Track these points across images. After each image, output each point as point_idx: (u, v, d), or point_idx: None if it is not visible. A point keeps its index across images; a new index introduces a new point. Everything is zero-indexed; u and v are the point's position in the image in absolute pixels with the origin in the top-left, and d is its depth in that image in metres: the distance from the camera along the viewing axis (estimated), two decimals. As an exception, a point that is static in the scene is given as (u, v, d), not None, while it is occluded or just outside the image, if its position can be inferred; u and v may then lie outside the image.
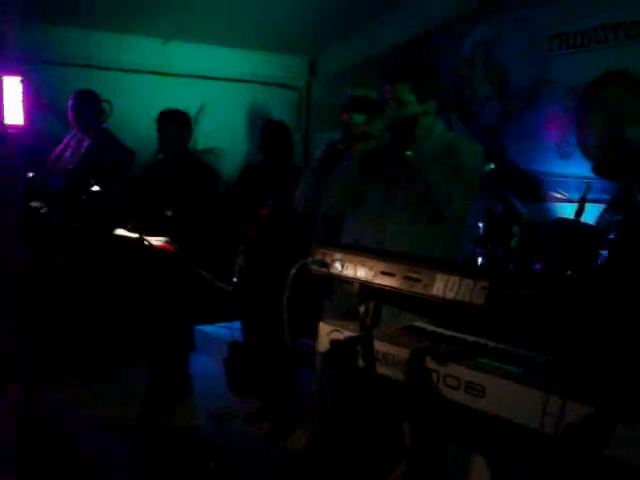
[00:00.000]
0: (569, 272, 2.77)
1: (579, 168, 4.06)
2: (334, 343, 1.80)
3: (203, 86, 6.04)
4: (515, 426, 1.41)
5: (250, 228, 3.84)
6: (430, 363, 1.65)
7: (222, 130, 5.93)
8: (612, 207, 3.36)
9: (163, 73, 5.80)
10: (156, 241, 2.68)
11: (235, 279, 3.94)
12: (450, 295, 1.49)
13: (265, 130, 4.10)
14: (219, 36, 5.65)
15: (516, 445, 1.46)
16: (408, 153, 2.51)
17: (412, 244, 2.55)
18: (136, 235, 2.64)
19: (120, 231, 2.79)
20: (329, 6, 5.01)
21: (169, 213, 3.58)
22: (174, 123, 3.92)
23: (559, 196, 4.17)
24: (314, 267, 1.84)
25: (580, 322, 1.22)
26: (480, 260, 3.68)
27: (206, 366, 4.54)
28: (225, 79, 6.14)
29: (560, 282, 1.29)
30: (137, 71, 5.66)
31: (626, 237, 2.10)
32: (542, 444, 1.33)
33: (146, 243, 2.61)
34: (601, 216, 3.50)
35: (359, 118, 3.17)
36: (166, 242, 2.71)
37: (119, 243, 2.80)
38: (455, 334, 1.89)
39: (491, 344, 1.77)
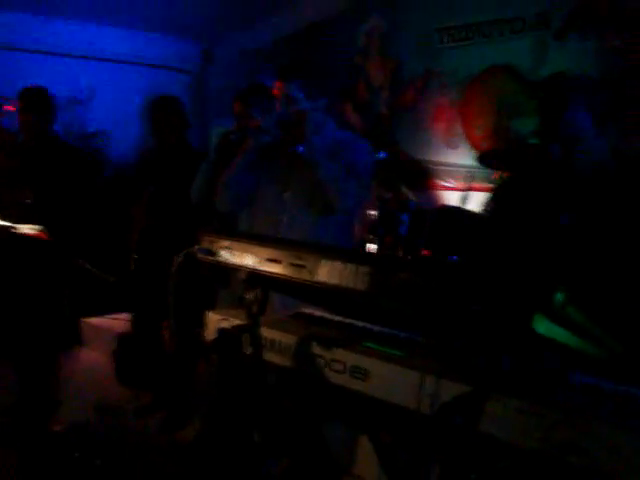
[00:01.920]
0: (455, 257, 2.88)
1: (465, 158, 4.23)
2: (221, 332, 1.78)
3: (94, 68, 5.80)
4: (396, 407, 1.44)
5: (135, 215, 3.73)
6: (316, 349, 1.66)
7: (113, 114, 5.72)
8: (494, 195, 3.52)
9: (51, 53, 5.51)
10: (29, 230, 2.54)
11: (128, 268, 3.82)
12: (334, 281, 1.50)
13: (152, 108, 3.93)
14: (111, 16, 5.43)
15: (398, 426, 1.50)
16: (300, 149, 2.54)
17: (303, 235, 2.59)
18: (6, 223, 2.50)
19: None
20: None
21: (28, 200, 3.38)
22: (38, 103, 3.62)
23: (446, 184, 4.32)
24: (201, 255, 1.81)
25: (455, 305, 1.26)
26: (372, 246, 3.76)
27: (94, 359, 4.39)
28: (117, 61, 5.93)
29: (437, 267, 1.32)
30: (22, 50, 5.35)
31: (498, 224, 2.21)
32: (419, 423, 1.37)
33: (16, 232, 2.47)
34: (485, 204, 3.65)
35: (252, 109, 3.15)
36: (40, 231, 2.57)
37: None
38: (342, 319, 1.91)
39: (376, 328, 1.80)
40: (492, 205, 2.37)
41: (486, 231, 2.20)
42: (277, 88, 2.65)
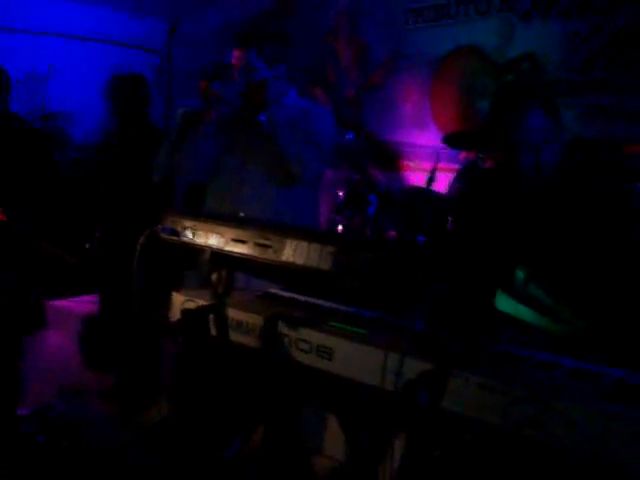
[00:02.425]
0: (420, 237, 2.91)
1: (432, 138, 4.24)
2: (186, 312, 1.77)
3: (54, 44, 5.66)
4: (360, 385, 1.46)
5: (97, 195, 3.66)
6: (283, 328, 1.66)
7: (76, 93, 5.60)
8: (460, 176, 3.55)
9: (8, 28, 5.35)
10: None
11: (89, 248, 3.76)
12: (300, 261, 1.50)
13: (113, 86, 3.85)
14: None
15: (362, 403, 1.52)
16: (261, 118, 2.51)
17: (265, 207, 2.58)
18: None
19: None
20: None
21: None
22: None
23: (414, 165, 4.34)
24: (164, 235, 1.79)
25: (420, 284, 1.27)
26: (340, 227, 3.77)
27: (59, 342, 4.33)
28: (78, 37, 5.78)
29: (401, 246, 1.33)
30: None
31: (464, 205, 2.24)
32: (383, 401, 1.38)
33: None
34: (451, 185, 3.68)
35: (214, 84, 3.11)
36: (-2, 211, 2.51)
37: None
38: (309, 299, 1.91)
39: (342, 308, 1.81)
40: (459, 186, 2.39)
41: (452, 211, 2.22)
42: (236, 57, 2.61)
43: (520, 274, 1.20)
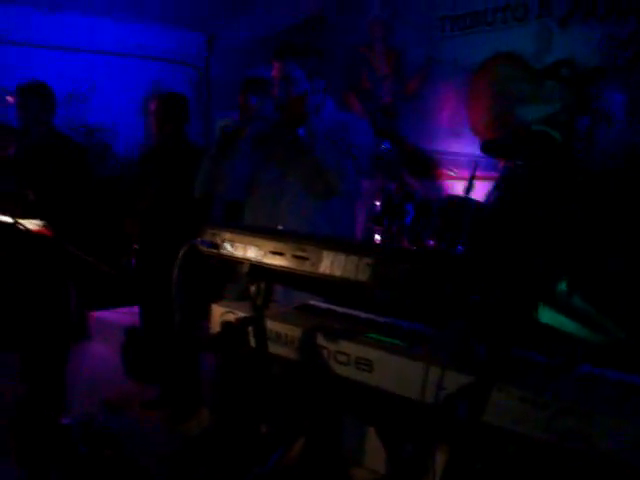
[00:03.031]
0: (459, 247, 2.88)
1: (470, 146, 4.21)
2: (225, 325, 1.78)
3: (96, 62, 5.80)
4: (400, 398, 1.45)
5: (132, 221, 3.71)
6: (321, 340, 1.66)
7: (116, 108, 5.72)
8: (500, 184, 3.51)
9: (52, 46, 5.51)
10: (32, 225, 2.54)
11: (132, 263, 3.83)
12: (337, 272, 1.50)
13: (151, 105, 3.88)
14: (113, 9, 5.42)
15: (402, 416, 1.50)
16: (299, 131, 2.52)
17: (303, 220, 2.59)
18: (10, 219, 2.50)
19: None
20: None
21: (31, 196, 3.38)
22: (36, 98, 3.58)
23: (451, 173, 4.31)
24: (203, 248, 1.81)
25: (457, 295, 1.26)
26: (377, 237, 3.76)
27: (101, 353, 4.41)
28: (119, 54, 5.92)
29: (438, 256, 1.32)
30: (22, 44, 5.35)
31: (502, 214, 2.20)
32: (424, 414, 1.37)
33: (21, 227, 2.47)
34: (491, 193, 3.64)
35: (253, 99, 3.15)
36: (43, 226, 2.57)
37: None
38: (347, 311, 1.91)
39: (381, 319, 1.80)
40: (498, 195, 2.36)
41: (491, 221, 2.19)
42: (275, 69, 2.62)
43: (562, 285, 1.18)
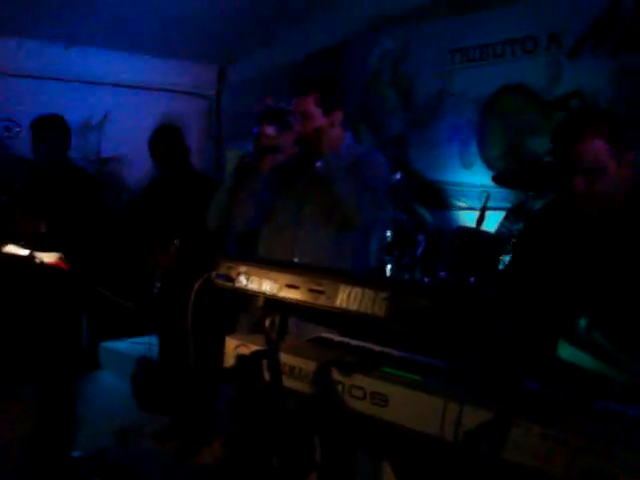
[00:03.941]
0: (471, 278, 2.87)
1: (480, 177, 4.22)
2: (239, 358, 1.78)
3: (108, 93, 5.88)
4: (417, 434, 1.43)
5: (160, 259, 3.71)
6: (336, 374, 1.65)
7: (128, 139, 5.77)
8: (511, 215, 3.51)
9: (65, 79, 5.60)
10: (48, 258, 2.56)
11: (150, 293, 3.82)
12: (353, 306, 1.50)
13: (150, 140, 3.91)
14: (125, 42, 5.51)
15: (419, 453, 1.48)
16: (317, 165, 2.53)
17: (320, 252, 2.58)
18: (26, 252, 2.52)
19: (10, 247, 2.65)
20: (239, 15, 4.99)
21: (43, 228, 3.39)
22: (52, 130, 3.63)
23: (462, 204, 4.32)
24: (219, 281, 1.81)
25: (475, 330, 1.25)
26: (389, 268, 3.75)
27: (112, 383, 4.39)
28: (131, 86, 6.00)
29: (456, 291, 1.32)
30: (37, 77, 5.44)
31: (521, 246, 2.19)
32: (442, 451, 1.35)
33: (37, 261, 2.49)
34: (501, 224, 3.64)
35: (270, 129, 3.16)
36: (59, 259, 2.59)
37: (8, 261, 2.65)
38: (361, 344, 1.90)
39: (396, 353, 1.79)
40: (510, 226, 2.36)
41: (513, 257, 2.18)
42: (294, 103, 2.65)
43: (583, 321, 1.17)
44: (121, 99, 5.93)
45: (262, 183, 2.72)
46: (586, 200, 1.75)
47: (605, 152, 1.75)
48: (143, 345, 4.56)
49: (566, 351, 1.18)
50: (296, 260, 2.57)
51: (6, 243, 2.74)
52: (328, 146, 2.59)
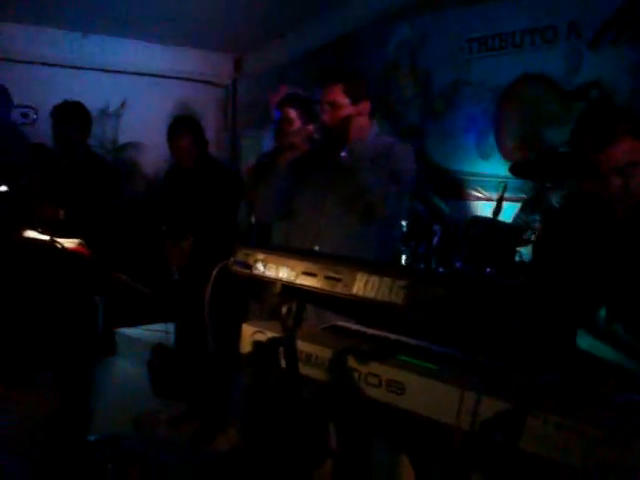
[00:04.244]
0: (488, 269, 2.86)
1: (498, 168, 4.19)
2: (256, 345, 1.79)
3: (125, 81, 5.91)
4: (433, 422, 1.43)
5: (174, 258, 3.72)
6: (352, 362, 1.66)
7: (145, 127, 5.80)
8: (527, 206, 3.49)
9: (83, 67, 5.62)
10: (68, 243, 2.58)
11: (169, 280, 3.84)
12: (370, 294, 1.50)
13: (168, 132, 3.83)
14: (142, 30, 5.53)
15: (435, 441, 1.49)
16: (342, 154, 2.53)
17: (343, 242, 2.57)
18: (47, 237, 2.54)
19: (30, 233, 2.68)
20: (255, 4, 4.98)
21: (61, 215, 3.42)
22: (74, 118, 3.66)
23: (479, 195, 4.29)
24: (236, 268, 1.82)
25: (493, 320, 1.25)
26: (404, 258, 3.74)
27: (128, 370, 4.42)
28: (148, 74, 6.02)
29: (473, 281, 1.31)
30: (55, 65, 5.47)
31: (541, 239, 2.19)
32: (458, 439, 1.36)
33: (58, 246, 2.51)
34: (517, 215, 3.62)
35: (292, 113, 3.15)
36: (79, 244, 2.62)
37: (29, 245, 2.68)
38: (377, 332, 1.90)
39: (412, 342, 1.79)
40: (525, 217, 2.35)
41: (536, 249, 2.17)
42: (320, 94, 2.64)
43: (603, 312, 1.17)
44: (138, 87, 5.96)
45: (281, 177, 2.73)
46: (622, 198, 1.76)
47: (636, 150, 1.75)
48: (159, 332, 4.60)
49: (585, 342, 1.17)
50: (317, 249, 2.57)
51: (24, 229, 2.77)
52: (355, 136, 2.58)
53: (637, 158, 1.75)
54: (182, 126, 3.84)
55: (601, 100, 3.66)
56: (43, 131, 4.40)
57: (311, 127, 2.88)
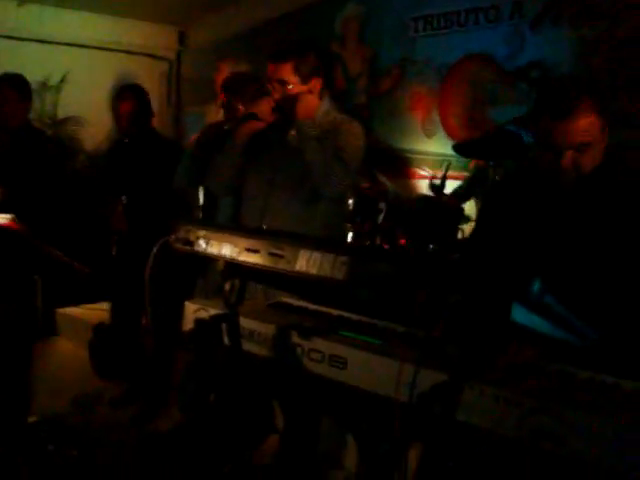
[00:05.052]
0: (431, 246, 2.90)
1: (442, 146, 4.24)
2: (198, 322, 1.77)
3: (65, 53, 5.71)
4: (374, 396, 1.45)
5: (112, 221, 3.67)
6: (295, 338, 1.66)
7: (86, 100, 5.64)
8: (467, 184, 3.56)
9: (19, 38, 5.40)
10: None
11: (108, 256, 3.78)
12: (313, 271, 1.50)
13: (113, 98, 3.88)
14: (83, 1, 5.34)
15: (376, 415, 1.51)
16: (291, 133, 2.51)
17: (291, 221, 2.56)
18: (-25, 214, 2.45)
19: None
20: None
21: (1, 194, 3.32)
22: (12, 89, 3.51)
23: (423, 173, 4.33)
24: (177, 245, 1.79)
25: (433, 295, 1.27)
26: (350, 235, 3.75)
27: (69, 350, 4.34)
28: (89, 46, 5.84)
29: (415, 256, 1.33)
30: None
31: (481, 216, 2.22)
32: (398, 412, 1.38)
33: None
34: (455, 190, 3.69)
35: (238, 97, 3.12)
36: (11, 220, 2.52)
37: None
38: (321, 308, 1.91)
39: (354, 317, 1.81)
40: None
41: (476, 224, 2.19)
42: (270, 72, 2.60)
43: (537, 285, 1.20)
44: (78, 59, 5.78)
45: (237, 152, 2.69)
46: (571, 173, 1.76)
47: (596, 127, 1.75)
48: (100, 311, 4.52)
49: (520, 315, 1.20)
50: (264, 228, 2.56)
51: None
52: (303, 114, 2.55)
53: (594, 136, 1.75)
54: (127, 91, 3.82)
55: (541, 79, 3.73)
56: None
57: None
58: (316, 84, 2.62)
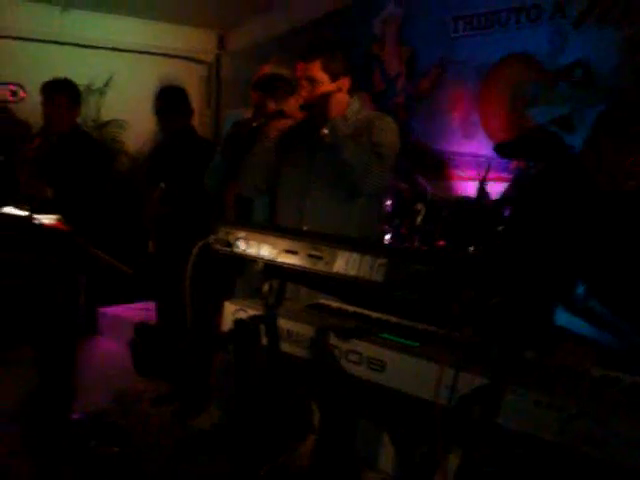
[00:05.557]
0: (470, 248, 2.87)
1: (482, 147, 4.19)
2: (237, 322, 1.78)
3: (108, 57, 5.83)
4: (413, 399, 1.44)
5: (147, 210, 3.73)
6: (333, 339, 1.66)
7: (128, 103, 5.75)
8: (514, 186, 3.51)
9: (64, 43, 5.53)
10: (47, 220, 2.55)
11: (145, 257, 3.84)
12: (351, 272, 1.50)
13: (156, 98, 3.85)
14: (124, 6, 5.45)
15: (415, 417, 1.50)
16: (324, 131, 2.50)
17: (328, 220, 2.55)
18: (25, 213, 2.51)
19: (7, 209, 2.64)
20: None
21: (49, 193, 3.39)
22: (62, 95, 3.59)
23: (462, 175, 4.30)
24: (217, 246, 1.81)
25: (474, 298, 1.25)
26: (388, 237, 3.75)
27: (111, 349, 4.41)
28: (131, 50, 5.95)
29: (454, 259, 1.31)
30: (35, 40, 5.39)
31: (517, 215, 2.18)
32: (437, 415, 1.36)
33: (35, 222, 2.48)
34: (504, 194, 3.64)
35: (270, 96, 3.13)
36: (58, 221, 2.58)
37: (5, 222, 2.64)
38: (359, 310, 1.91)
39: (393, 319, 1.80)
40: (518, 198, 2.33)
41: (509, 223, 2.16)
42: (299, 70, 2.60)
43: (580, 289, 1.17)
44: (121, 63, 5.89)
45: (270, 150, 2.70)
46: (625, 177, 1.71)
47: None
48: (142, 311, 4.58)
49: (563, 318, 1.18)
50: (305, 229, 2.55)
51: (6, 204, 2.73)
52: (334, 112, 2.54)
53: None
54: (167, 90, 3.87)
55: (584, 79, 3.66)
56: (29, 108, 4.34)
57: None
58: (345, 82, 2.62)
